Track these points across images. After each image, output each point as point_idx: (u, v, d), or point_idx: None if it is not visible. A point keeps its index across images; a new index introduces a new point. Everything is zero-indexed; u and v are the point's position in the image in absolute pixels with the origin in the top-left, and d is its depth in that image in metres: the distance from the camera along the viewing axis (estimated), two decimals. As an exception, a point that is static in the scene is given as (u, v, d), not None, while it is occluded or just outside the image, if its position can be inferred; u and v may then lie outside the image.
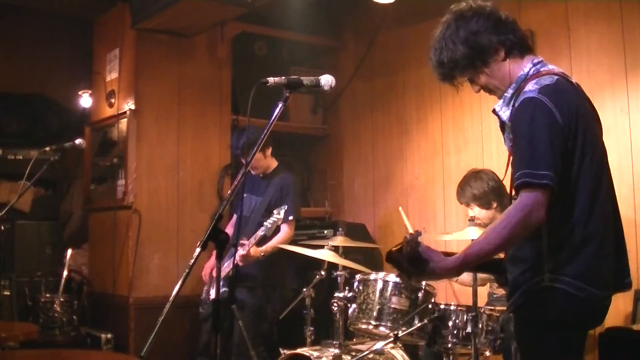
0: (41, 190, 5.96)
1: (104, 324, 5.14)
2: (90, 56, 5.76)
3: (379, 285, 3.48)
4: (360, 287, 3.57)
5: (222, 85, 5.52)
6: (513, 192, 2.26)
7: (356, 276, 3.67)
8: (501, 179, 2.51)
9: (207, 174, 5.37)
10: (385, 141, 5.63)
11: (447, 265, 2.13)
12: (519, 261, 2.21)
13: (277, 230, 4.31)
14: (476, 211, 3.77)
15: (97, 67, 5.66)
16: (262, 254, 4.26)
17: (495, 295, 4.02)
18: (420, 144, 5.31)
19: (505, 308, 3.56)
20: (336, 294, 3.68)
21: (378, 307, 3.44)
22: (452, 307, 3.38)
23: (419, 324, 3.34)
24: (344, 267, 3.82)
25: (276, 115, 2.23)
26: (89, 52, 5.77)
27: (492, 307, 3.66)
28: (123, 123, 5.18)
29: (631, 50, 4.00)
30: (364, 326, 3.51)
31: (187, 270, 2.28)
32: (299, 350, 3.68)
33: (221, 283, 4.22)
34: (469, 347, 3.23)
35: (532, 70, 2.27)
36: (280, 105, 2.24)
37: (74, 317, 5.06)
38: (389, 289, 3.46)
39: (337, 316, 3.69)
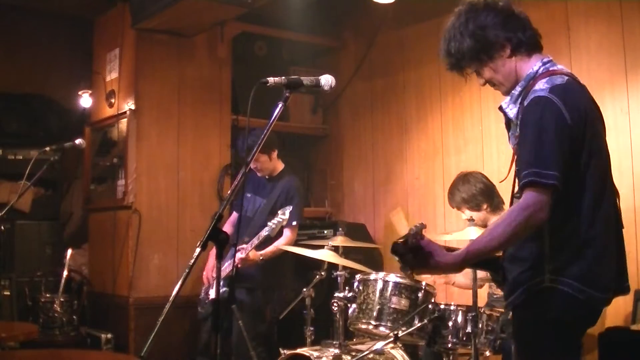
0: (41, 190, 5.96)
1: (104, 324, 5.14)
2: (90, 56, 5.76)
3: (379, 285, 3.48)
4: (360, 287, 3.57)
5: (222, 85, 5.52)
6: (516, 189, 2.26)
7: (356, 276, 3.67)
8: (501, 179, 2.50)
9: (207, 174, 5.37)
10: (385, 141, 5.63)
11: (449, 260, 2.13)
12: (519, 260, 2.20)
13: (280, 233, 4.31)
14: (467, 214, 3.78)
15: (97, 67, 5.66)
16: (261, 258, 4.25)
17: (495, 296, 4.02)
18: (420, 144, 5.31)
19: (505, 308, 3.58)
20: (336, 294, 3.68)
21: (378, 307, 3.44)
22: (452, 307, 3.38)
23: (419, 324, 3.34)
24: (344, 267, 3.82)
25: (276, 115, 2.23)
26: (89, 52, 5.77)
27: (492, 307, 3.67)
28: (123, 123, 5.18)
29: (631, 50, 4.00)
30: (364, 326, 3.51)
31: (187, 270, 2.28)
32: (299, 350, 3.67)
33: (221, 283, 4.26)
34: (469, 347, 3.23)
35: (542, 68, 2.26)
36: (280, 105, 2.24)
37: (74, 317, 5.06)
38: (389, 289, 3.46)
39: (337, 316, 3.69)
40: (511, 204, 2.35)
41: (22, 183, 4.04)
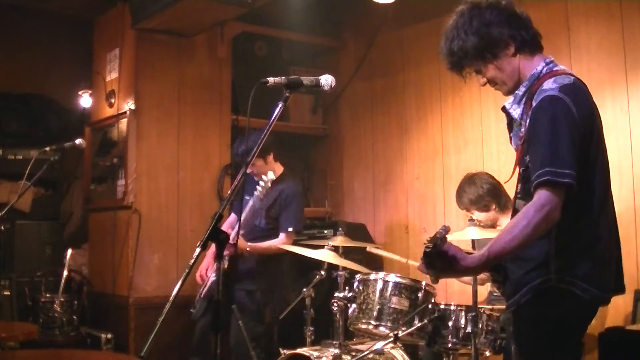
0: (41, 190, 5.96)
1: (104, 324, 5.14)
2: (90, 56, 5.76)
3: (379, 285, 3.48)
4: (360, 287, 3.57)
5: (222, 85, 5.52)
6: (518, 190, 2.26)
7: (356, 276, 3.67)
8: (504, 179, 2.50)
9: (207, 174, 5.37)
10: (385, 141, 5.63)
11: (471, 263, 2.11)
12: (523, 261, 2.19)
13: (274, 235, 4.30)
14: (476, 215, 3.80)
15: (97, 67, 5.66)
16: (248, 249, 4.21)
17: (495, 295, 4.02)
18: (420, 144, 5.31)
19: (505, 307, 3.58)
20: (336, 294, 3.68)
21: (378, 307, 3.44)
22: (452, 307, 3.38)
23: (419, 324, 3.34)
24: (344, 267, 3.82)
25: (276, 115, 2.23)
26: (89, 52, 5.77)
27: (492, 307, 3.66)
28: (123, 123, 5.18)
29: (631, 50, 4.00)
30: (364, 326, 3.51)
31: (187, 270, 2.28)
32: (299, 350, 3.67)
33: (213, 280, 4.25)
34: (469, 347, 3.23)
35: (545, 69, 2.26)
36: (280, 105, 2.24)
37: (74, 317, 5.06)
38: (389, 289, 3.46)
39: (337, 316, 3.69)
40: (513, 204, 2.35)
41: (22, 183, 4.04)
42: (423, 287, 3.46)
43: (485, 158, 4.76)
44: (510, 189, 2.44)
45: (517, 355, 2.31)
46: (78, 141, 4.13)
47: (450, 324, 3.34)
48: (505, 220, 3.97)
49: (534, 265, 2.16)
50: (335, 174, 6.13)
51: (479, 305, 3.28)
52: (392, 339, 3.27)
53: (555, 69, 2.27)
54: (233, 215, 4.77)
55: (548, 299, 2.14)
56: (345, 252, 4.01)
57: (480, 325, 3.27)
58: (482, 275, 4.03)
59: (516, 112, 2.31)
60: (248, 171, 4.46)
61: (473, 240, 3.39)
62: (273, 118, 2.23)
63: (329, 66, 5.79)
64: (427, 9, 5.19)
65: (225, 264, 4.22)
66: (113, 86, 5.39)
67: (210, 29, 5.30)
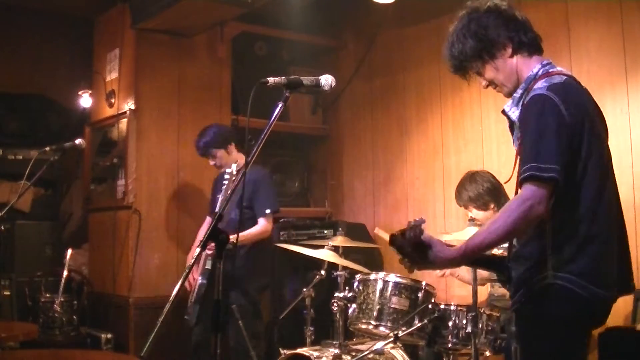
0: (41, 190, 5.96)
1: (104, 324, 5.14)
2: (90, 56, 5.76)
3: (379, 285, 3.49)
4: (360, 287, 3.57)
5: (222, 85, 5.52)
6: (519, 192, 2.26)
7: (356, 276, 3.67)
8: (504, 180, 2.52)
9: (207, 174, 5.36)
10: (385, 141, 5.63)
11: (448, 255, 2.15)
12: (523, 259, 2.21)
13: (254, 223, 4.27)
14: (474, 213, 3.79)
15: (97, 67, 5.66)
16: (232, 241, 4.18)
17: (495, 295, 4.02)
18: (420, 144, 5.31)
19: (506, 307, 3.58)
20: (336, 294, 3.68)
21: (378, 307, 3.45)
22: (452, 307, 3.38)
23: (419, 324, 3.34)
24: (344, 267, 3.82)
25: (276, 115, 2.24)
26: (89, 52, 5.77)
27: (492, 307, 3.67)
28: (123, 123, 5.18)
29: (631, 51, 4.00)
30: (364, 326, 3.51)
31: (187, 270, 2.28)
32: (299, 350, 3.67)
33: (201, 283, 4.23)
34: (469, 347, 3.23)
35: (542, 70, 2.29)
36: (280, 105, 2.24)
37: (74, 317, 5.05)
38: (389, 289, 3.46)
39: (337, 316, 3.69)
40: None
41: (22, 183, 4.04)
42: (423, 287, 3.47)
43: (485, 158, 4.76)
44: (510, 189, 2.44)
45: (520, 354, 2.31)
46: (78, 141, 4.13)
47: (450, 324, 3.35)
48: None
49: (532, 263, 2.17)
50: (335, 174, 6.13)
51: (479, 306, 3.28)
52: (392, 339, 3.28)
53: (551, 70, 2.29)
54: (208, 219, 4.74)
55: (546, 296, 2.14)
56: (345, 252, 4.01)
57: (480, 325, 3.27)
58: (484, 275, 4.04)
59: (515, 114, 2.33)
60: (211, 163, 4.48)
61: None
62: (273, 118, 2.23)
63: (329, 66, 5.79)
64: (427, 9, 5.19)
65: (209, 264, 4.20)
66: (113, 86, 5.39)
67: (210, 29, 5.31)
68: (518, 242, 2.29)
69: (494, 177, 3.89)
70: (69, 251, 5.24)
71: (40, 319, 4.94)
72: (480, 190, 3.82)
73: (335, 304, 3.69)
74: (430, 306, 3.40)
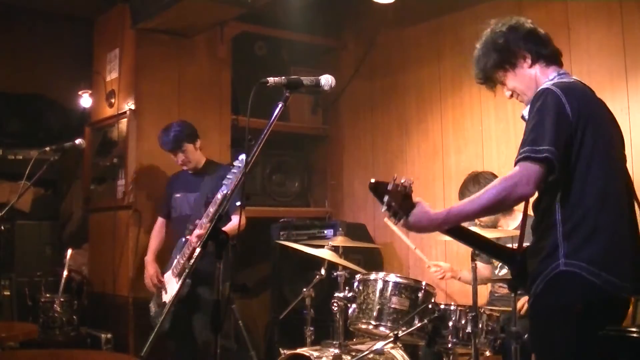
0: (41, 190, 5.96)
1: (104, 324, 5.14)
2: (90, 56, 5.75)
3: (379, 285, 3.49)
4: (360, 287, 3.57)
5: (222, 85, 5.52)
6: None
7: (356, 276, 3.67)
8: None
9: (207, 174, 5.37)
10: (385, 141, 5.63)
11: (431, 216, 2.27)
12: (537, 252, 2.29)
13: (227, 219, 4.22)
14: None
15: (97, 67, 5.66)
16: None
17: (496, 295, 4.02)
18: (420, 144, 5.31)
19: (506, 308, 3.59)
20: (336, 294, 3.68)
21: (378, 307, 3.45)
22: (452, 307, 3.39)
23: (419, 324, 3.34)
24: (344, 267, 3.82)
25: (276, 115, 2.24)
26: (89, 52, 5.77)
27: (492, 307, 3.66)
28: (123, 123, 5.18)
29: (631, 51, 4.00)
30: (364, 326, 3.51)
31: (186, 270, 2.28)
32: (299, 350, 3.68)
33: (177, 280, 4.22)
34: (469, 347, 3.23)
35: (557, 78, 2.44)
36: (280, 105, 2.25)
37: (74, 317, 5.05)
38: (389, 289, 3.46)
39: (337, 316, 3.69)
40: (525, 207, 2.44)
41: (22, 183, 4.04)
42: (423, 287, 3.47)
43: (485, 158, 4.76)
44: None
45: (534, 347, 2.34)
46: (78, 141, 4.13)
47: (450, 324, 3.35)
48: (506, 222, 3.98)
49: (545, 253, 2.25)
50: (335, 174, 6.13)
51: (479, 306, 3.28)
52: (392, 339, 3.28)
53: (564, 79, 2.43)
54: (160, 220, 4.70)
55: (560, 284, 2.20)
56: (345, 252, 4.01)
57: (480, 325, 3.27)
58: (485, 274, 4.05)
59: None
60: (180, 160, 4.46)
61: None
62: (273, 118, 2.24)
63: (329, 66, 5.79)
64: (427, 9, 5.19)
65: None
66: (113, 86, 5.39)
67: (210, 29, 5.31)
68: (533, 238, 2.37)
69: (496, 177, 3.89)
70: (69, 251, 5.24)
71: (40, 319, 4.94)
72: None
73: (335, 304, 3.69)
74: (430, 306, 3.40)
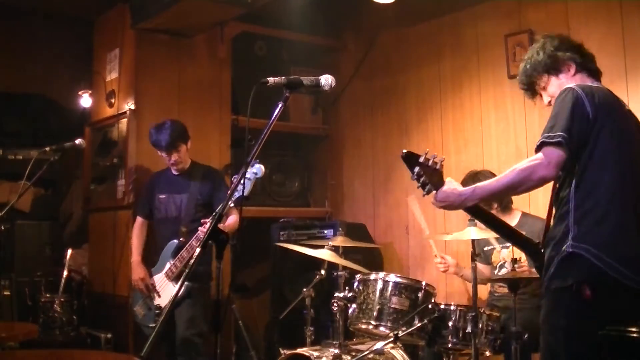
0: (41, 190, 5.96)
1: (104, 324, 5.14)
2: (90, 56, 5.75)
3: (379, 285, 3.49)
4: (360, 287, 3.57)
5: (222, 85, 5.52)
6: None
7: (356, 276, 3.67)
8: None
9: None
10: (385, 141, 5.63)
11: (459, 191, 2.55)
12: (552, 240, 2.44)
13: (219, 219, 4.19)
14: None
15: (97, 67, 5.66)
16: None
17: (496, 294, 4.02)
18: (420, 144, 5.31)
19: (506, 307, 3.59)
20: (336, 294, 3.68)
21: (378, 307, 3.45)
22: (452, 307, 3.39)
23: (419, 324, 3.34)
24: (344, 267, 3.82)
25: (276, 115, 2.24)
26: (89, 52, 5.77)
27: (492, 307, 3.67)
28: (123, 123, 5.18)
29: (631, 51, 4.00)
30: (364, 326, 3.51)
31: (187, 271, 2.28)
32: (299, 350, 3.67)
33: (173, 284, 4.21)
34: (469, 347, 3.23)
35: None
36: (280, 105, 2.25)
37: (74, 317, 5.06)
38: (389, 289, 3.46)
39: (337, 316, 3.69)
40: (551, 202, 2.59)
41: (22, 183, 4.04)
42: (423, 287, 3.47)
43: (485, 158, 4.77)
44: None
45: (542, 332, 2.39)
46: (78, 141, 4.13)
47: (450, 324, 3.35)
48: (506, 221, 3.97)
49: (558, 239, 2.39)
50: (335, 174, 6.13)
51: (479, 306, 3.28)
52: (392, 339, 3.28)
53: (589, 83, 2.57)
54: (139, 219, 4.65)
55: (566, 265, 2.32)
56: (345, 252, 4.01)
57: (480, 325, 3.27)
58: (485, 274, 4.05)
59: None
60: (173, 160, 4.44)
61: (473, 241, 3.39)
62: (273, 118, 2.24)
63: (329, 66, 5.79)
64: (427, 9, 5.19)
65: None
66: (113, 86, 5.39)
67: (210, 29, 5.31)
68: (550, 227, 2.51)
69: (495, 176, 3.89)
70: (69, 251, 5.24)
71: (40, 319, 4.94)
72: None
73: (335, 304, 3.68)
74: (430, 306, 3.40)
